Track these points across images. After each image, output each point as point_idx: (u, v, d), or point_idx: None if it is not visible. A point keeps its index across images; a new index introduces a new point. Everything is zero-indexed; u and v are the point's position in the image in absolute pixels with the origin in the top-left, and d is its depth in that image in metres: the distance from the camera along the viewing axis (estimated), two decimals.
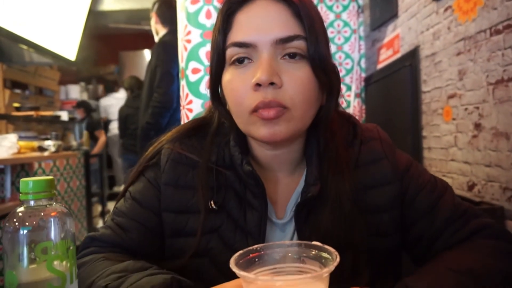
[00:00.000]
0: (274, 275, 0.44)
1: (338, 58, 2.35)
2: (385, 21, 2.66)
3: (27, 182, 0.47)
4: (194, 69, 1.39)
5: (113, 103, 5.49)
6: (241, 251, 0.44)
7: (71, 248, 0.49)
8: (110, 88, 6.36)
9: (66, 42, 3.93)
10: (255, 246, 0.45)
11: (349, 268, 0.62)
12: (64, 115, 3.92)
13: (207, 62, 1.39)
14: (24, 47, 3.37)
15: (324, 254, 0.43)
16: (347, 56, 2.35)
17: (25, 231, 0.46)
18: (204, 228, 0.66)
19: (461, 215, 0.68)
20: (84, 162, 3.74)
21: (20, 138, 2.87)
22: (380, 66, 2.80)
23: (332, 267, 0.39)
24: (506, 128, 1.47)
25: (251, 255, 0.45)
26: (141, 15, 5.36)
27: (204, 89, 1.40)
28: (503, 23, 1.46)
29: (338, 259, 0.40)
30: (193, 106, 1.41)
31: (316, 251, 0.43)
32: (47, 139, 3.21)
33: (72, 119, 4.26)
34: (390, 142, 0.74)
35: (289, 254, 0.45)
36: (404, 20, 2.38)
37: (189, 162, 0.70)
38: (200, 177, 0.68)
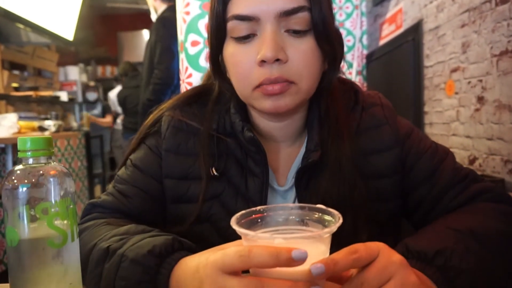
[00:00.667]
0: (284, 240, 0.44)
1: None
2: None
3: (25, 140, 0.46)
4: (193, 41, 1.37)
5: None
6: (243, 211, 0.44)
7: (71, 206, 0.48)
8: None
9: (64, 22, 3.87)
10: (258, 207, 0.45)
11: (349, 231, 0.61)
12: (64, 96, 3.89)
13: (206, 35, 1.36)
14: (21, 26, 3.32)
15: (327, 217, 0.42)
16: (349, 33, 2.31)
17: (24, 189, 0.45)
18: (206, 194, 0.66)
19: (461, 179, 0.67)
20: (85, 143, 3.74)
21: (20, 118, 2.86)
22: (382, 42, 2.76)
23: (334, 227, 0.39)
24: (509, 100, 1.45)
25: (253, 216, 0.44)
26: None
27: (204, 62, 1.38)
28: None
29: (340, 221, 0.39)
30: (192, 79, 1.40)
31: (320, 214, 0.43)
32: (47, 119, 3.19)
33: (71, 100, 4.23)
34: (392, 108, 0.74)
35: (292, 217, 0.45)
36: None
37: (190, 129, 0.69)
38: (201, 144, 0.68)
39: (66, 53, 5.40)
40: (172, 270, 0.47)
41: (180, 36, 1.41)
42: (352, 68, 2.33)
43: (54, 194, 0.47)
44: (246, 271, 0.40)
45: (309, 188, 0.66)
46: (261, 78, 0.59)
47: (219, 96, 0.73)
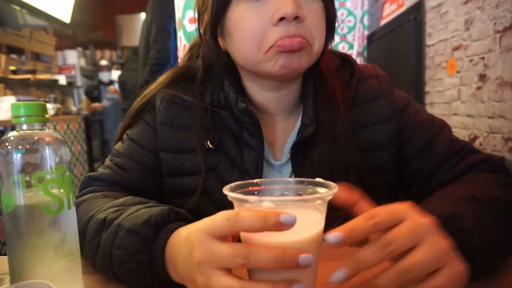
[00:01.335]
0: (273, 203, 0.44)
1: (340, 15, 2.27)
2: None
3: (19, 105, 0.46)
4: (191, 18, 1.35)
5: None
6: (239, 182, 0.43)
7: (66, 174, 0.48)
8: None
9: (60, 4, 3.82)
10: (255, 180, 0.44)
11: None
12: (62, 79, 3.87)
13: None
14: (18, 8, 3.27)
15: (324, 190, 0.41)
16: (350, 13, 2.27)
17: (19, 155, 0.45)
18: (202, 167, 0.66)
19: (458, 151, 0.67)
20: (85, 127, 3.73)
21: (19, 101, 2.85)
22: (383, 22, 2.72)
23: (325, 194, 0.38)
24: None
25: (250, 188, 0.43)
26: None
27: None
28: None
29: (335, 190, 0.38)
30: None
31: (318, 187, 0.42)
32: (46, 102, 3.18)
33: (70, 84, 4.20)
34: (388, 80, 0.73)
35: (290, 191, 0.44)
36: None
37: (183, 102, 0.70)
38: (195, 117, 0.68)
39: (64, 36, 5.34)
40: (168, 240, 0.47)
41: (178, 13, 1.38)
42: (353, 49, 2.30)
43: (49, 160, 0.46)
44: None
45: (304, 162, 0.65)
46: (277, 37, 0.58)
47: (206, 74, 0.71)
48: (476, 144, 1.68)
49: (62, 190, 0.47)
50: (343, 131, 0.66)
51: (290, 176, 0.68)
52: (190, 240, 0.41)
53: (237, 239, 0.41)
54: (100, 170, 0.70)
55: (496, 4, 1.50)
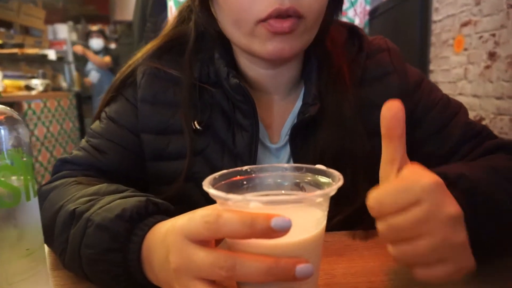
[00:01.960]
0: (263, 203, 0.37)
1: None
2: None
3: None
4: None
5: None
6: (225, 171, 0.36)
7: (24, 159, 0.40)
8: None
9: None
10: (244, 167, 0.37)
11: (348, 191, 0.57)
12: (52, 54, 3.73)
13: None
14: None
15: (326, 180, 0.35)
16: None
17: None
18: (188, 150, 0.60)
19: (475, 135, 0.61)
20: (77, 103, 3.63)
21: (6, 77, 2.74)
22: None
23: (328, 190, 0.31)
24: None
25: (238, 177, 0.36)
26: None
27: None
28: None
29: (340, 182, 0.32)
30: None
31: (319, 176, 0.36)
32: (33, 77, 3.06)
33: (60, 59, 4.06)
34: (400, 54, 0.66)
35: (286, 179, 0.38)
36: None
37: (168, 77, 0.63)
38: (181, 94, 0.61)
39: (54, 10, 5.16)
40: (144, 237, 0.40)
41: None
42: None
43: (4, 142, 0.38)
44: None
45: (305, 147, 0.60)
46: (270, 8, 0.51)
47: (197, 43, 0.64)
48: None
49: (17, 177, 0.39)
50: (351, 116, 0.59)
51: (288, 161, 0.62)
52: (166, 241, 0.35)
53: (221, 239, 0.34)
54: (75, 152, 0.62)
55: None
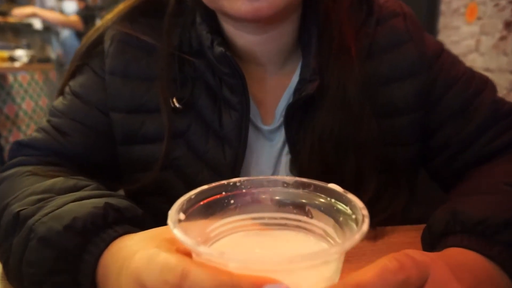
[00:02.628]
0: (259, 227, 0.27)
1: None
2: None
3: None
4: None
5: None
6: (205, 186, 0.27)
7: None
8: None
9: None
10: (233, 180, 0.28)
11: (351, 177, 0.51)
12: (37, 23, 3.55)
13: None
14: None
15: (342, 206, 0.25)
16: None
17: None
18: (166, 132, 0.52)
19: (503, 116, 0.54)
20: None
21: None
22: None
23: (348, 244, 0.21)
24: None
25: (224, 193, 0.27)
26: None
27: None
28: None
29: (365, 226, 0.22)
30: None
31: (331, 199, 0.26)
32: (17, 47, 2.92)
33: (47, 29, 3.87)
34: (417, 19, 0.58)
35: (287, 198, 0.28)
36: None
37: (142, 45, 0.54)
38: (158, 66, 0.53)
39: None
40: (100, 256, 0.32)
41: None
42: None
43: None
44: None
45: (302, 131, 0.52)
46: None
47: (178, 5, 0.56)
48: None
49: None
50: (357, 95, 0.52)
51: (283, 147, 0.54)
52: (120, 282, 0.27)
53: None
54: (34, 133, 0.53)
55: None
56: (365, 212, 0.22)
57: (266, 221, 0.27)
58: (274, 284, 0.18)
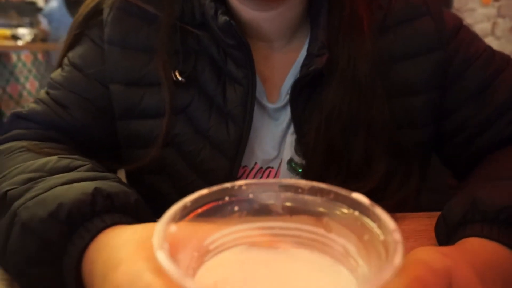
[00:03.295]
0: (266, 238, 0.24)
1: None
2: None
3: None
4: None
5: None
6: (206, 190, 0.23)
7: None
8: None
9: None
10: (237, 182, 0.24)
11: (359, 160, 0.50)
12: (41, 1, 3.49)
13: None
14: None
15: (368, 221, 0.21)
16: None
17: None
18: (166, 106, 0.50)
19: None
20: None
21: None
22: None
23: (386, 276, 0.17)
24: None
25: (227, 198, 0.23)
26: None
27: None
28: None
29: (398, 259, 0.17)
30: None
31: (356, 212, 0.22)
32: (19, 26, 2.87)
33: None
34: None
35: (301, 204, 0.24)
36: None
37: (142, 14, 0.52)
38: (159, 37, 0.51)
39: None
40: (86, 248, 0.30)
41: None
42: None
43: None
44: None
45: (309, 110, 0.50)
46: None
47: None
48: None
49: None
50: (368, 71, 0.49)
51: (288, 126, 0.52)
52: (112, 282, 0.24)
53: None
54: (31, 105, 0.52)
55: None
56: (397, 236, 0.18)
57: (275, 231, 0.24)
58: None
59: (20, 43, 2.55)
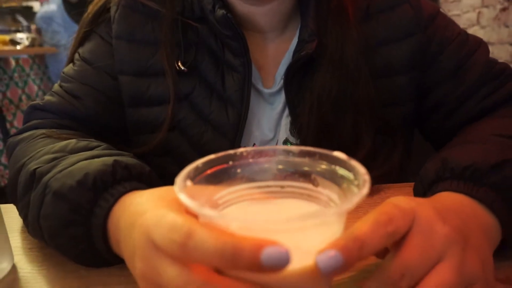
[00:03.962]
0: (264, 195, 0.29)
1: None
2: None
3: None
4: None
5: None
6: (213, 156, 0.28)
7: None
8: None
9: None
10: (239, 150, 0.29)
11: (348, 135, 0.54)
12: (37, 6, 3.51)
13: None
14: None
15: (344, 172, 0.26)
16: None
17: None
18: (171, 94, 0.55)
19: (496, 75, 0.56)
20: None
21: None
22: None
23: (346, 205, 0.22)
24: None
25: (230, 163, 0.28)
26: None
27: None
28: None
29: (365, 190, 0.23)
30: None
31: (335, 166, 0.27)
32: (18, 31, 2.89)
33: None
34: None
35: (293, 167, 0.29)
36: None
37: (146, 10, 0.57)
38: (162, 31, 0.55)
39: None
40: (110, 210, 0.34)
41: None
42: None
43: None
44: None
45: (302, 92, 0.54)
46: None
47: None
48: None
49: None
50: (354, 55, 0.54)
51: (283, 109, 0.57)
52: (134, 235, 0.28)
53: None
54: (47, 97, 0.56)
55: None
56: (366, 177, 0.24)
57: (272, 189, 0.29)
58: (274, 248, 0.20)
59: (19, 47, 2.58)
